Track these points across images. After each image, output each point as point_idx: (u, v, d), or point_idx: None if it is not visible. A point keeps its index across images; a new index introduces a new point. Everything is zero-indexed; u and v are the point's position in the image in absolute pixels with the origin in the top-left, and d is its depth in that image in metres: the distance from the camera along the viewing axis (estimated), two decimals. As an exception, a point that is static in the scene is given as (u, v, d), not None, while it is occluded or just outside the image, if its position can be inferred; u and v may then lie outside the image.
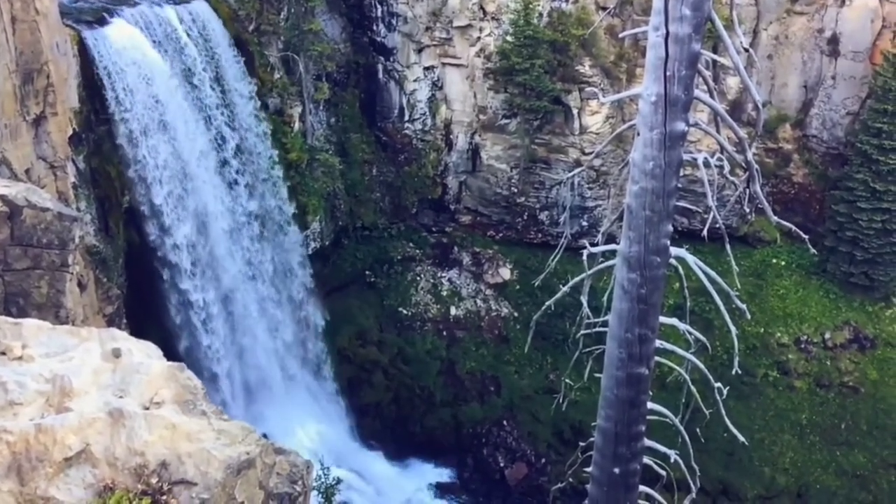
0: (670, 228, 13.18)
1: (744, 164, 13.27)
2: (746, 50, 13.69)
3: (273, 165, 39.98)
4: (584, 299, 15.89)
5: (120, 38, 31.06)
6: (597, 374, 15.38)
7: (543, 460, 43.75)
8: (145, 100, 32.18)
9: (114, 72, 30.65)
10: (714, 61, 13.60)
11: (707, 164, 13.52)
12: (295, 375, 42.52)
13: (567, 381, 19.65)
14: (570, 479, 19.19)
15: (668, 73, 11.76)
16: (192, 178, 35.13)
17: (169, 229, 34.15)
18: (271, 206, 40.53)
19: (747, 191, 13.48)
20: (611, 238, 16.33)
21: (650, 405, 14.94)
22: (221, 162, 37.32)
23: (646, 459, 15.72)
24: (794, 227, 14.68)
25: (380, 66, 47.12)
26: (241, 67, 38.12)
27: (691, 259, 14.02)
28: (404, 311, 47.23)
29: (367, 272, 47.83)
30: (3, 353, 9.59)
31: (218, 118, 36.76)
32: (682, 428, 15.82)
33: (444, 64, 46.56)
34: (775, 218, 13.91)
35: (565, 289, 15.86)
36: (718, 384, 15.28)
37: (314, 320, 44.10)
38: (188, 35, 34.87)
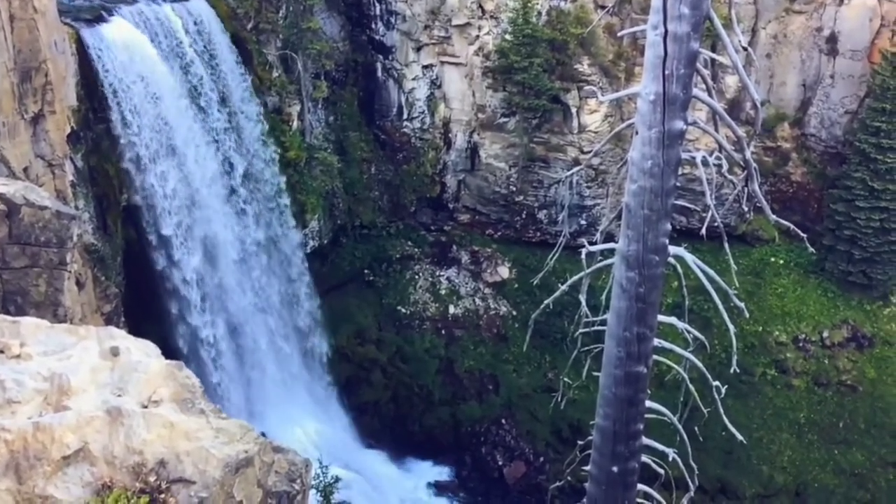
0: (669, 227, 13.18)
1: (742, 163, 13.27)
2: (745, 49, 13.66)
3: (280, 193, 39.43)
4: (582, 298, 15.89)
5: (124, 51, 30.01)
6: (595, 373, 15.39)
7: (542, 459, 43.77)
8: (153, 122, 30.99)
9: (120, 89, 29.66)
10: (713, 60, 13.60)
11: (706, 163, 13.53)
12: (296, 379, 42.34)
13: (565, 379, 19.68)
14: (569, 478, 19.21)
15: (666, 72, 11.75)
16: (201, 207, 33.97)
17: (178, 263, 33.20)
18: (278, 235, 40.07)
19: (746, 189, 13.47)
20: (609, 237, 16.32)
21: (648, 403, 14.94)
22: (230, 189, 36.28)
23: (644, 458, 15.73)
24: (792, 226, 14.70)
25: (378, 65, 47.11)
26: (247, 87, 37.22)
27: (690, 258, 14.03)
28: (403, 310, 47.23)
29: (365, 271, 47.82)
30: (2, 352, 9.57)
31: (226, 143, 35.59)
32: (680, 426, 15.83)
33: (442, 62, 46.56)
34: (774, 216, 13.89)
35: (564, 287, 15.86)
36: (717, 383, 15.28)
37: (320, 350, 43.76)
38: (194, 50, 33.51)
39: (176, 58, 32.67)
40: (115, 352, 9.80)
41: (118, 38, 30.32)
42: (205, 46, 34.53)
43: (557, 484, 20.54)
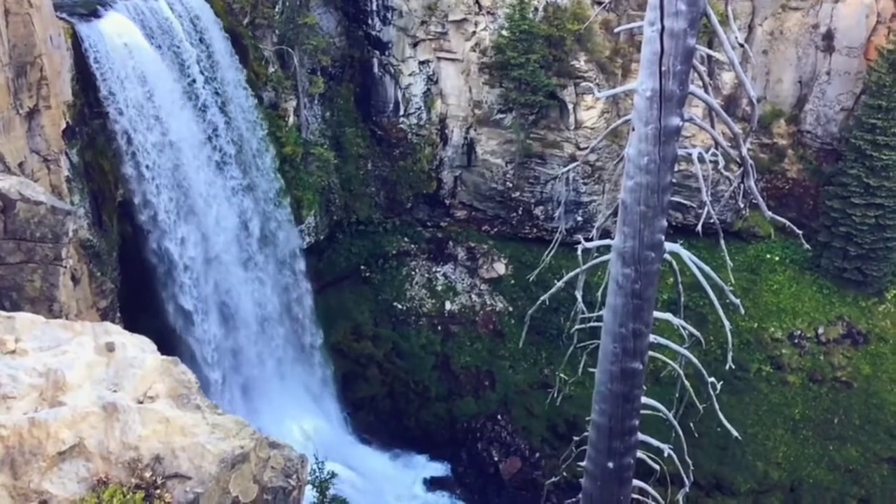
0: (665, 223, 13.20)
1: (738, 160, 13.28)
2: (741, 45, 13.68)
3: (294, 258, 39.33)
4: (578, 294, 15.90)
5: (126, 70, 29.35)
6: (591, 369, 15.42)
7: (537, 454, 43.84)
8: (172, 182, 30.28)
9: (142, 153, 29.00)
10: (709, 56, 13.60)
11: (702, 160, 13.55)
12: (290, 371, 42.44)
13: (561, 375, 19.73)
14: (564, 474, 19.27)
15: (663, 69, 11.76)
16: (222, 272, 33.34)
17: (200, 339, 32.85)
18: (291, 299, 40.17)
19: (742, 186, 13.49)
20: (605, 233, 16.33)
21: (644, 400, 14.98)
22: (247, 253, 35.90)
23: (639, 454, 15.77)
24: (787, 223, 14.74)
25: (375, 61, 47.03)
26: (263, 136, 36.44)
27: (685, 254, 14.06)
28: (399, 306, 47.24)
29: (361, 267, 47.82)
30: (-3, 347, 9.55)
31: (244, 203, 34.89)
32: (675, 422, 15.88)
33: (439, 58, 46.49)
34: (769, 213, 13.92)
35: (560, 284, 15.89)
36: (712, 379, 15.32)
37: (335, 416, 43.80)
38: (207, 91, 32.45)
39: (189, 100, 31.74)
40: (110, 347, 9.79)
41: (111, 29, 29.73)
42: (216, 91, 33.41)
43: (553, 479, 20.61)
